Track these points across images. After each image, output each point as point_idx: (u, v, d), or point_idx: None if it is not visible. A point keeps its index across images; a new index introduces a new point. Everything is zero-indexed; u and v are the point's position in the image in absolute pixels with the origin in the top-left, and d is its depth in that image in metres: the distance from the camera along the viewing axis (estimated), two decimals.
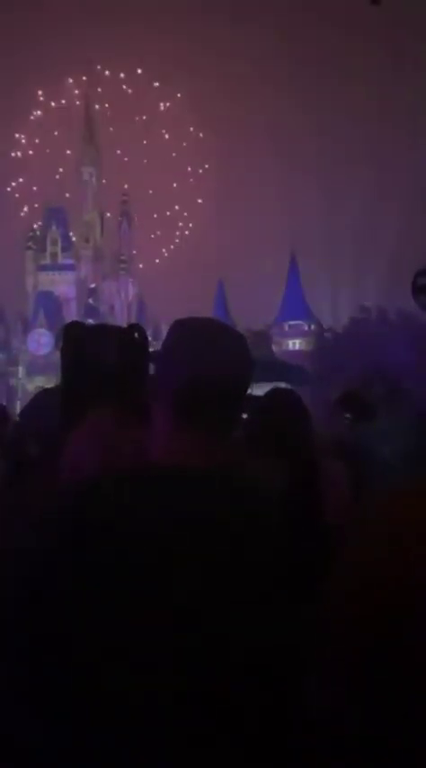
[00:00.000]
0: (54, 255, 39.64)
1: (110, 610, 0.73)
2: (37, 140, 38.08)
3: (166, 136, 39.83)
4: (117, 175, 40.78)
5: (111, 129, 39.26)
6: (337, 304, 35.03)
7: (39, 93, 38.33)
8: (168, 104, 40.72)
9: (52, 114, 38.62)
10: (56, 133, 38.12)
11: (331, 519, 1.66)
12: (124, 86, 40.29)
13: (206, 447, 0.85)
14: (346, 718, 0.85)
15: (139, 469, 0.87)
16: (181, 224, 40.26)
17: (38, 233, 39.67)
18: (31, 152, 38.11)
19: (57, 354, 1.20)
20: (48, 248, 39.60)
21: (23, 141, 39.62)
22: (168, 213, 41.23)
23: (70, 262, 39.68)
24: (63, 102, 38.29)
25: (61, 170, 38.86)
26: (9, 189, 38.37)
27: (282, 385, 2.94)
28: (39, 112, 39.23)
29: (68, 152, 38.46)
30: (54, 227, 39.55)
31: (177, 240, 39.70)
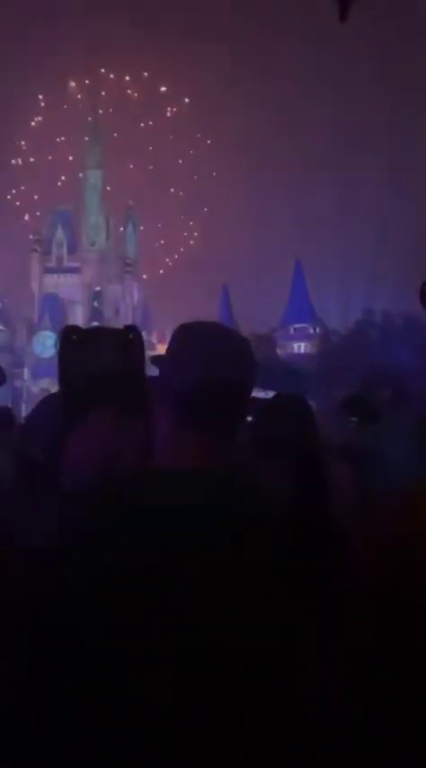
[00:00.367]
0: (59, 258, 39.82)
1: (110, 610, 0.74)
2: (39, 146, 38.09)
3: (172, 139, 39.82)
4: (122, 179, 40.90)
5: (115, 134, 39.25)
6: (343, 308, 35.02)
7: (40, 97, 38.37)
8: (175, 109, 40.76)
9: (54, 119, 38.68)
10: (58, 140, 38.13)
11: (336, 521, 1.66)
12: (129, 90, 40.34)
13: (209, 450, 0.85)
14: (346, 719, 0.84)
15: (141, 472, 0.87)
16: (186, 233, 40.28)
17: (43, 236, 39.86)
18: (32, 159, 38.12)
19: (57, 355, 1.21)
20: (54, 251, 39.78)
21: (24, 147, 39.67)
22: (173, 221, 41.29)
23: (75, 265, 39.83)
24: (65, 107, 38.35)
25: (63, 178, 38.89)
26: (14, 192, 38.47)
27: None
28: (40, 118, 39.26)
29: (71, 158, 38.50)
30: (60, 231, 39.74)
31: (182, 249, 39.75)
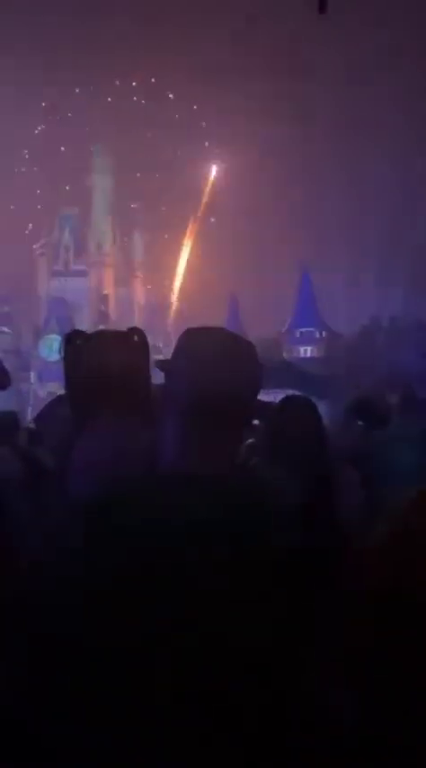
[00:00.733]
0: (66, 262, 39.98)
1: (112, 612, 0.74)
2: (43, 153, 38.20)
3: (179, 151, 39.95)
4: (129, 184, 40.97)
5: (122, 140, 39.38)
6: (351, 312, 34.97)
7: (43, 105, 38.53)
8: (182, 117, 40.87)
9: (58, 127, 38.82)
10: (62, 148, 38.23)
11: (343, 524, 1.65)
12: (135, 97, 40.50)
13: (214, 454, 0.85)
14: (345, 718, 0.84)
15: (147, 476, 0.87)
16: (193, 236, 40.32)
17: (50, 240, 40.05)
18: (35, 168, 38.23)
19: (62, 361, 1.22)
20: (61, 255, 39.95)
21: (27, 156, 39.81)
22: (180, 225, 41.35)
23: (82, 268, 39.97)
24: (70, 114, 38.51)
25: (68, 188, 39.00)
26: (19, 199, 38.65)
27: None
28: (43, 126, 39.39)
29: (76, 166, 38.60)
30: (67, 235, 39.91)
31: (188, 252, 39.79)
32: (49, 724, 0.72)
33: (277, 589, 0.81)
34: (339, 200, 35.10)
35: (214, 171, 41.19)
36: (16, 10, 32.46)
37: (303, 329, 35.43)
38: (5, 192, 36.62)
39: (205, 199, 41.54)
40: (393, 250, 31.98)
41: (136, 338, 1.07)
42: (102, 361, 1.06)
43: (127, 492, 0.81)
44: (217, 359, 0.86)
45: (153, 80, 37.96)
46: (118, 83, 38.94)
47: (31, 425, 3.85)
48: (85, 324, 34.68)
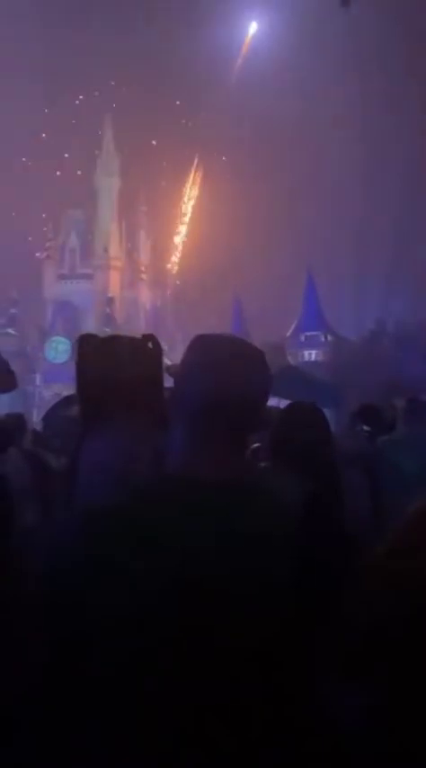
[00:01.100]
0: (72, 265, 40.12)
1: (120, 615, 0.74)
2: (47, 160, 38.23)
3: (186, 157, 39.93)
4: (136, 187, 41.05)
5: (127, 151, 39.42)
6: (357, 316, 34.89)
7: (46, 110, 38.60)
8: (190, 123, 40.89)
9: (61, 133, 38.85)
10: (66, 155, 38.24)
11: (350, 530, 1.64)
12: (142, 103, 40.56)
13: (222, 459, 0.86)
14: (358, 727, 0.83)
15: (155, 481, 0.87)
16: (198, 240, 40.30)
17: (56, 243, 40.20)
18: (40, 172, 38.26)
19: (74, 362, 1.21)
20: (67, 258, 40.10)
21: (30, 164, 39.87)
22: (186, 229, 41.35)
23: (88, 272, 40.09)
24: (74, 121, 38.54)
25: (73, 188, 39.06)
26: (23, 203, 38.76)
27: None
28: (44, 135, 39.42)
29: (79, 172, 38.62)
30: (73, 238, 40.06)
31: (194, 256, 39.78)
32: (62, 725, 0.72)
33: (284, 592, 0.81)
34: (346, 203, 35.09)
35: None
36: (20, 16, 32.51)
37: (308, 333, 35.39)
38: (10, 196, 36.77)
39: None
40: (399, 253, 31.92)
41: (150, 345, 1.07)
42: (115, 365, 1.06)
43: (134, 495, 0.81)
44: (228, 364, 0.86)
45: (159, 87, 37.98)
46: (123, 89, 39.01)
47: (37, 427, 3.86)
48: (91, 326, 34.75)
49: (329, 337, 34.87)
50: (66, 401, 1.47)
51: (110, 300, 39.34)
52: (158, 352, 1.09)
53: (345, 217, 35.64)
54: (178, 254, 42.50)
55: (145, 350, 1.08)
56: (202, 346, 0.89)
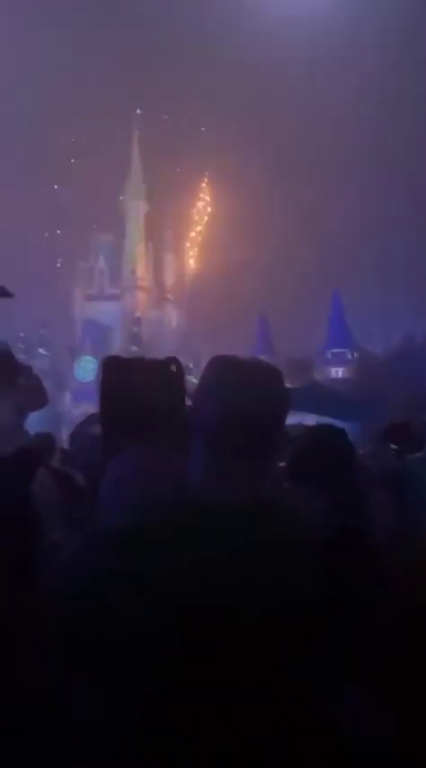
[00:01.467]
0: (101, 287, 40.88)
1: (139, 630, 0.74)
2: (75, 186, 39.10)
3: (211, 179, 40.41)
4: (162, 211, 41.72)
5: (156, 174, 40.15)
6: (385, 333, 34.56)
7: (73, 140, 39.55)
8: (206, 134, 41.34)
9: (91, 159, 39.73)
10: (95, 177, 39.04)
11: (374, 548, 1.62)
12: (169, 129, 41.32)
13: (241, 480, 0.86)
14: (356, 726, 0.82)
15: (176, 502, 0.88)
16: (224, 260, 40.63)
17: (85, 265, 41.07)
18: (69, 198, 39.12)
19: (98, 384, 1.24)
20: (96, 280, 40.89)
21: (56, 188, 40.83)
22: (211, 250, 41.75)
23: (116, 292, 40.80)
24: (102, 149, 39.39)
25: (102, 214, 39.82)
26: (53, 229, 39.69)
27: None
28: (73, 160, 40.38)
29: (109, 192, 39.37)
30: (101, 260, 40.89)
31: (219, 276, 40.09)
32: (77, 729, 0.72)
33: (307, 610, 0.80)
34: (372, 219, 34.98)
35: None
36: (47, 45, 33.51)
37: (334, 350, 35.15)
38: (41, 221, 37.69)
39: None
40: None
41: (173, 368, 1.09)
42: (139, 388, 1.08)
43: (153, 513, 0.82)
44: (244, 384, 0.87)
45: (185, 115, 38.68)
46: (150, 117, 39.78)
47: (65, 445, 3.91)
48: (118, 345, 35.17)
49: (356, 354, 34.58)
50: (91, 419, 1.50)
51: (137, 320, 39.84)
52: (181, 374, 1.10)
53: (372, 230, 35.52)
54: (200, 272, 42.85)
55: (168, 372, 1.10)
56: (219, 367, 0.90)
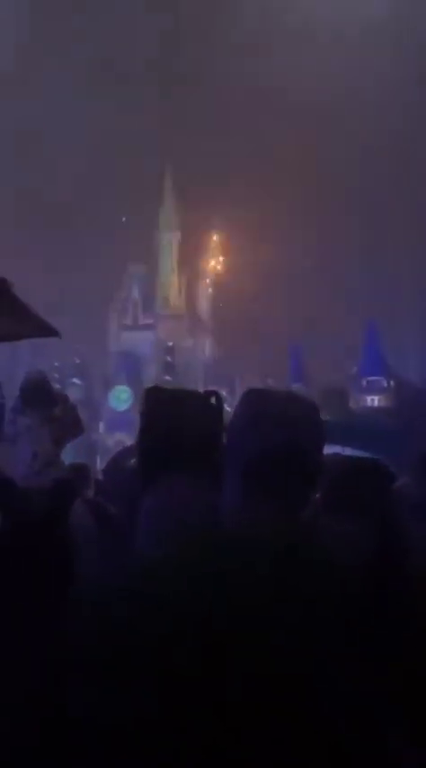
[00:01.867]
0: (135, 317, 41.65)
1: (170, 659, 0.73)
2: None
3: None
4: (195, 241, 42.43)
5: (186, 206, 40.94)
6: (421, 360, 34.03)
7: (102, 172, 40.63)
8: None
9: (123, 193, 40.72)
10: (127, 214, 39.99)
11: (416, 583, 1.57)
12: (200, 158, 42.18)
13: (276, 515, 0.85)
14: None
15: (208, 534, 0.87)
16: (257, 290, 40.88)
17: (120, 296, 41.97)
18: (104, 230, 40.03)
19: (136, 410, 1.25)
20: (130, 310, 41.70)
21: (92, 221, 41.85)
22: (244, 278, 42.12)
23: (150, 322, 41.47)
24: (134, 183, 40.34)
25: (136, 245, 40.71)
26: (89, 259, 40.73)
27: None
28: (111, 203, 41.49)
29: (143, 224, 40.18)
30: (135, 291, 41.74)
31: (252, 305, 40.32)
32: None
33: (348, 650, 0.78)
34: (407, 245, 34.81)
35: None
36: (76, 81, 34.72)
37: (370, 378, 34.73)
38: (76, 253, 38.74)
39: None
40: None
41: (213, 400, 1.10)
42: (181, 422, 1.08)
43: (187, 547, 0.81)
44: (279, 418, 0.86)
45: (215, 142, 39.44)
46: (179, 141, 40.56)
47: (99, 475, 3.94)
48: (152, 375, 35.54)
49: (392, 383, 34.08)
50: (125, 452, 1.51)
51: (171, 349, 40.28)
52: (220, 407, 1.11)
53: (407, 256, 35.30)
54: (232, 300, 43.16)
55: (208, 406, 1.11)
56: (254, 400, 0.90)
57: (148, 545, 0.95)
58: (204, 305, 42.43)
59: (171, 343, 41.52)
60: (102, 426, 36.10)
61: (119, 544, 1.61)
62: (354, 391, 34.71)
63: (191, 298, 43.05)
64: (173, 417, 1.09)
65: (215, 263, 41.68)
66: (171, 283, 42.04)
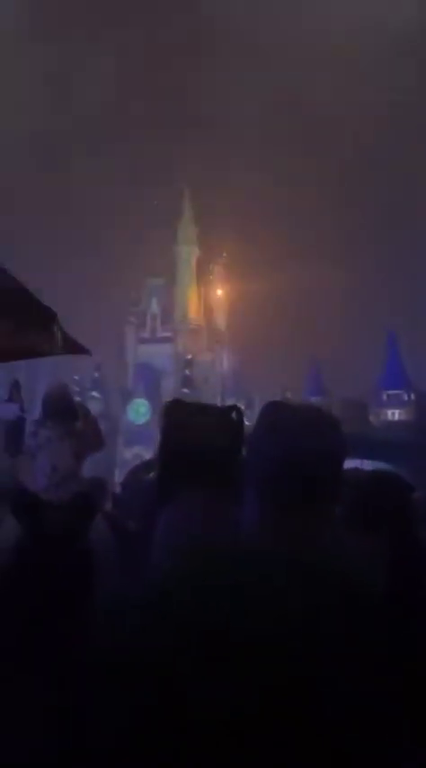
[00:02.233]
0: (153, 330, 41.84)
1: (188, 674, 0.73)
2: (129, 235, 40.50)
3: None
4: (213, 255, 42.58)
5: (204, 220, 41.13)
6: None
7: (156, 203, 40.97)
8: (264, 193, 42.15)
9: (142, 207, 41.14)
10: (144, 232, 40.29)
11: None
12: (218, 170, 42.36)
13: (293, 529, 0.84)
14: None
15: (226, 550, 0.87)
16: (276, 303, 40.79)
17: (138, 309, 42.22)
18: (122, 245, 40.39)
19: (154, 424, 1.26)
20: (148, 323, 41.91)
21: (114, 237, 42.26)
22: (263, 292, 42.09)
23: (168, 335, 41.61)
24: (156, 202, 40.72)
25: (154, 259, 41.03)
26: (106, 273, 41.09)
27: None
28: (127, 216, 41.88)
29: (161, 237, 40.52)
30: (154, 304, 41.98)
31: (271, 318, 40.23)
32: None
33: (366, 666, 0.77)
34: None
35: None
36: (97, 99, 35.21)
37: (390, 392, 34.36)
38: (98, 267, 39.14)
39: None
40: None
41: (234, 415, 1.10)
42: (203, 437, 1.08)
43: (205, 563, 0.81)
44: (299, 432, 0.85)
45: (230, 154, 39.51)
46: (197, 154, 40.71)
47: (116, 489, 3.94)
48: (170, 388, 35.58)
49: (412, 396, 33.67)
50: (143, 466, 1.51)
51: (189, 362, 40.35)
52: (241, 422, 1.10)
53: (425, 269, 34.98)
54: (250, 313, 43.09)
55: (229, 420, 1.11)
56: (274, 413, 0.89)
57: (166, 559, 0.96)
58: (223, 319, 42.56)
59: (189, 357, 41.63)
60: (120, 440, 36.19)
61: (137, 558, 1.61)
62: (374, 405, 34.39)
63: (210, 312, 43.21)
64: (193, 431, 1.08)
65: (222, 293, 41.63)
66: (189, 297, 42.23)
